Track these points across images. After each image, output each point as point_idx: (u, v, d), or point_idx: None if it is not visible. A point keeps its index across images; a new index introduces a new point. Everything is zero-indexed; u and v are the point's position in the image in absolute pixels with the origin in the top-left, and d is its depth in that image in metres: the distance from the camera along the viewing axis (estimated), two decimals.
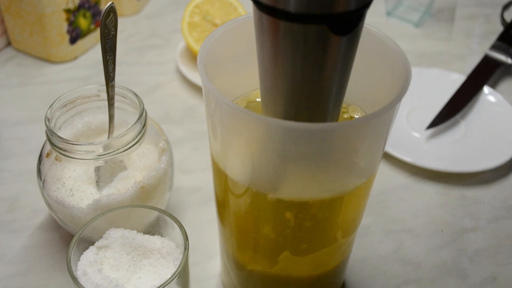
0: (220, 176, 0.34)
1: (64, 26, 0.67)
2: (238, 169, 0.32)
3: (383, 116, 0.28)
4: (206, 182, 0.54)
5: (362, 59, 0.33)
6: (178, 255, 0.38)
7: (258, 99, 0.38)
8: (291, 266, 0.37)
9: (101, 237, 0.39)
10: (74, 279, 0.35)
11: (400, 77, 0.31)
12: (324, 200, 0.32)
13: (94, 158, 0.41)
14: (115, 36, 0.41)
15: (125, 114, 0.46)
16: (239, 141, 0.31)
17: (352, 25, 0.26)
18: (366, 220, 0.51)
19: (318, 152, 0.29)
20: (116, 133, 0.45)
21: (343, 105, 0.37)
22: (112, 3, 0.39)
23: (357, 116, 0.37)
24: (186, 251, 0.37)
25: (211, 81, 0.30)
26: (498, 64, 0.70)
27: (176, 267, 0.37)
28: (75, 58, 0.71)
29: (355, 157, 0.31)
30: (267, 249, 0.36)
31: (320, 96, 0.28)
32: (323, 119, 0.29)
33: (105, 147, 0.41)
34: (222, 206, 0.37)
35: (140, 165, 0.44)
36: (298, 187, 0.31)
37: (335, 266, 0.40)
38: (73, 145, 0.40)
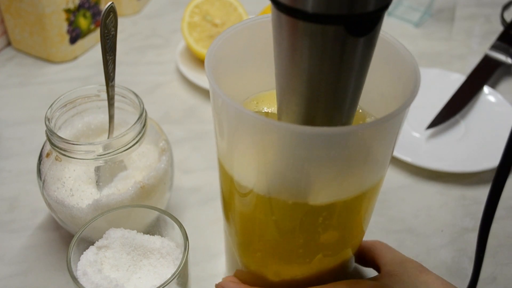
0: (226, 179, 0.34)
1: (64, 26, 0.67)
2: (246, 174, 0.32)
3: (397, 117, 0.29)
4: (206, 182, 0.54)
5: (373, 62, 0.34)
6: (178, 255, 0.38)
7: (271, 109, 0.38)
8: (304, 272, 0.37)
9: (101, 237, 0.39)
10: (74, 279, 0.35)
11: (408, 79, 0.31)
12: (339, 202, 0.32)
13: (94, 158, 0.41)
14: (115, 36, 0.41)
15: (125, 114, 0.46)
16: (248, 146, 0.31)
17: (370, 26, 0.25)
18: None
19: (335, 156, 0.29)
20: (116, 133, 0.45)
21: None
22: (112, 3, 0.39)
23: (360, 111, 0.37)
24: (186, 251, 0.37)
25: (218, 84, 0.30)
26: (498, 64, 0.70)
27: (176, 267, 0.37)
28: (75, 58, 0.71)
29: (370, 159, 0.31)
30: (277, 256, 0.36)
31: (336, 97, 0.28)
32: (339, 120, 0.29)
33: (105, 147, 0.41)
34: (228, 209, 0.37)
35: (140, 165, 0.44)
36: (312, 191, 0.31)
37: (344, 268, 0.40)
38: (73, 145, 0.40)
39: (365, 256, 0.41)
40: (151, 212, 0.39)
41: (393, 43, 0.33)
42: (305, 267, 0.37)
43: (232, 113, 0.29)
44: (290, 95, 0.29)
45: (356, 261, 0.43)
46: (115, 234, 0.39)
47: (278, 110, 0.31)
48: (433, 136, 0.60)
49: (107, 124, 0.44)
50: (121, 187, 0.43)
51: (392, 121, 0.29)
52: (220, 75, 0.32)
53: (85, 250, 0.38)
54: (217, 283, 0.40)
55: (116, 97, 0.44)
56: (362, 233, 0.38)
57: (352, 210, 0.34)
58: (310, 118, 0.29)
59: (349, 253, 0.39)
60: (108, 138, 0.45)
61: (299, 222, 0.33)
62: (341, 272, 0.41)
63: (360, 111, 0.37)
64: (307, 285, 0.37)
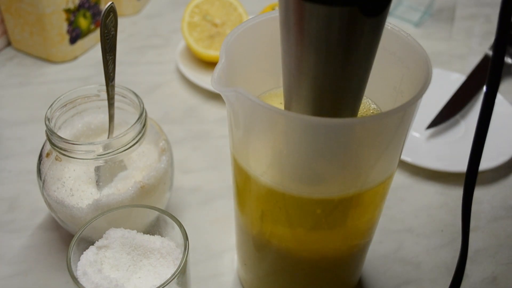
0: (240, 173, 0.35)
1: (64, 26, 0.67)
2: (261, 165, 0.32)
3: (411, 107, 0.29)
4: (206, 182, 0.54)
5: (383, 55, 0.34)
6: (178, 255, 0.38)
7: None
8: (315, 265, 0.37)
9: (101, 237, 0.39)
10: (74, 279, 0.35)
11: (420, 71, 0.31)
12: (351, 196, 0.32)
13: (94, 158, 0.41)
14: (115, 36, 0.41)
15: (125, 114, 0.46)
16: (264, 139, 0.31)
17: (383, 6, 0.26)
18: None
19: (348, 147, 0.29)
20: (116, 133, 0.45)
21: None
22: (112, 3, 0.39)
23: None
24: (186, 251, 0.37)
25: (231, 80, 0.30)
26: None
27: (176, 267, 0.37)
28: (75, 58, 0.71)
29: (382, 151, 0.31)
30: (292, 249, 0.36)
31: (346, 81, 0.28)
32: (349, 105, 0.30)
33: (105, 147, 0.41)
34: (243, 205, 0.37)
35: (140, 165, 0.44)
36: (323, 183, 0.32)
37: (355, 262, 0.41)
38: (73, 145, 0.40)
39: None
40: (151, 212, 0.39)
41: (404, 37, 0.33)
42: (315, 260, 0.37)
43: (248, 106, 0.29)
44: (301, 81, 0.29)
45: None
46: (115, 234, 0.39)
47: (285, 101, 0.31)
48: (433, 136, 0.60)
49: (107, 124, 0.44)
50: (121, 187, 0.43)
51: (406, 111, 0.29)
52: (232, 71, 0.33)
53: (85, 250, 0.38)
54: None
55: (116, 97, 0.44)
56: (368, 235, 0.38)
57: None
58: (318, 103, 0.29)
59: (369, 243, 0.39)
60: (108, 138, 0.45)
61: (311, 215, 0.33)
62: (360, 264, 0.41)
63: (374, 106, 0.37)
64: (315, 276, 0.38)
